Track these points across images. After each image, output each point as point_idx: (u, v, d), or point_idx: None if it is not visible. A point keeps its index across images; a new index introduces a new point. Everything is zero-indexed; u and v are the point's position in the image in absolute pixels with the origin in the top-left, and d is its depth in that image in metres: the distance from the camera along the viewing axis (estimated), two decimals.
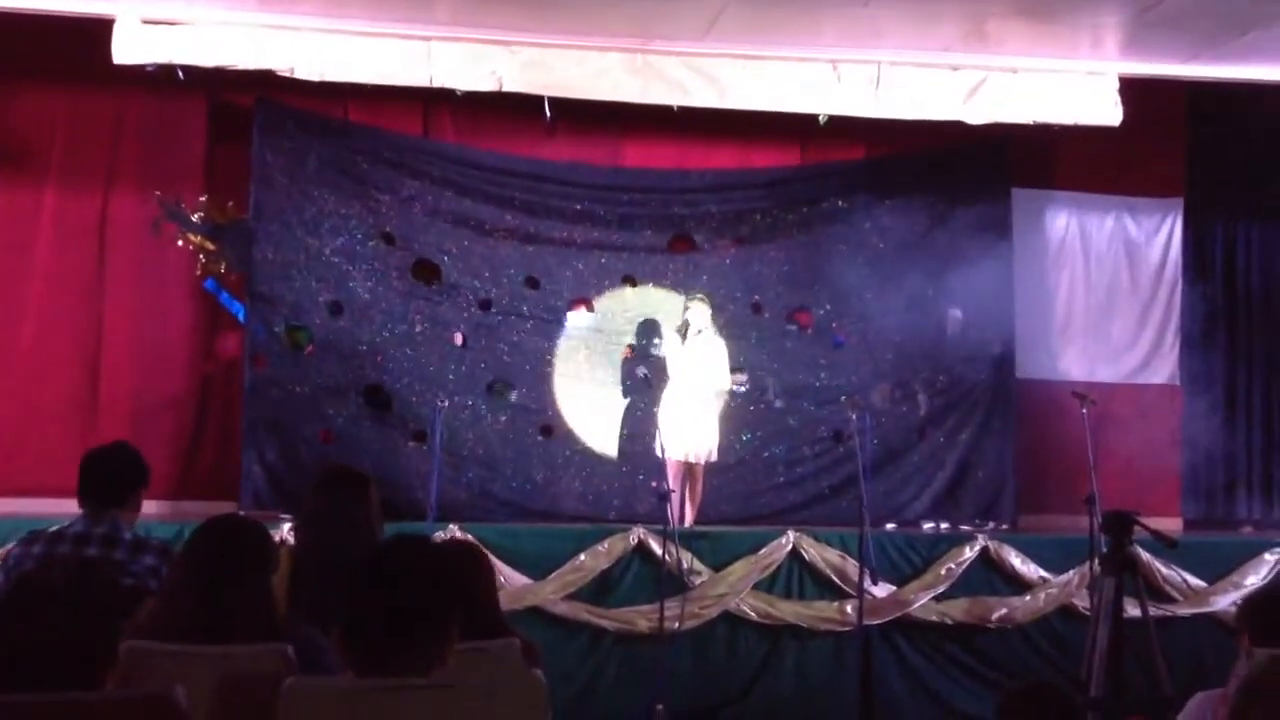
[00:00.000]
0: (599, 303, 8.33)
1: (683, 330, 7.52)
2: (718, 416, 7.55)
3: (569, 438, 8.16)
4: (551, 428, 8.18)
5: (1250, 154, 8.53)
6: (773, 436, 8.28)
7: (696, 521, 7.30)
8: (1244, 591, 6.77)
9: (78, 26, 7.11)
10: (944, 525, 7.89)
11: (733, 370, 7.79)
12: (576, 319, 8.31)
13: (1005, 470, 8.41)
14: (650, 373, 7.37)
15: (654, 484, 7.15)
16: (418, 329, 8.02)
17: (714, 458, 7.45)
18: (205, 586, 2.87)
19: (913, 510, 8.18)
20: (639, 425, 7.81)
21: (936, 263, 8.32)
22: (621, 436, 8.02)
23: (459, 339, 8.14)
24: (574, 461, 8.10)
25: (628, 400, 7.98)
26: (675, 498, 7.17)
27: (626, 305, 8.34)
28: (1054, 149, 8.51)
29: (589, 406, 8.16)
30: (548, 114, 7.75)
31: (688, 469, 7.37)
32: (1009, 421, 8.45)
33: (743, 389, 8.24)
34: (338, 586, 2.46)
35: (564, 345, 8.24)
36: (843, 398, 7.95)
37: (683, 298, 7.87)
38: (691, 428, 7.28)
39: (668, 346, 7.69)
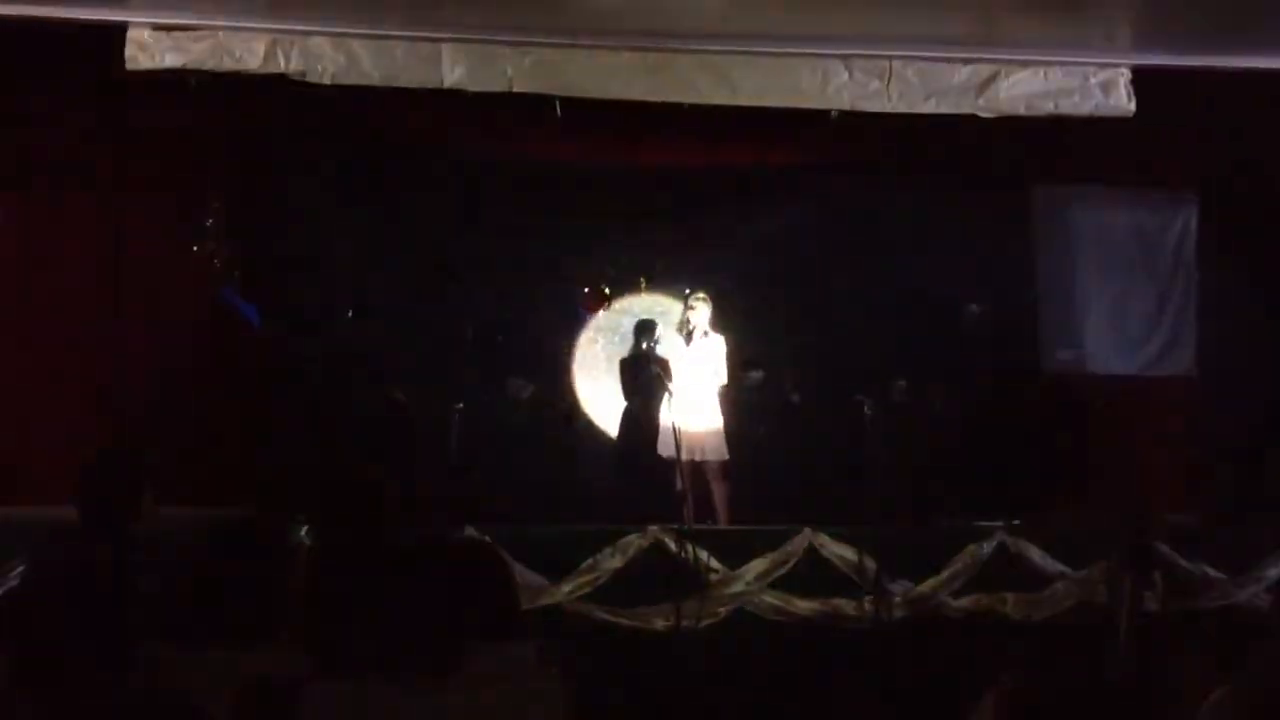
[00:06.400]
0: (614, 300, 8.36)
1: (685, 330, 7.52)
2: (723, 415, 7.55)
3: (587, 433, 8.19)
4: (570, 423, 8.20)
5: (1267, 144, 8.47)
6: (789, 432, 8.27)
7: (730, 520, 7.32)
8: (1265, 585, 6.73)
9: (90, 34, 7.13)
10: (962, 520, 7.85)
11: (749, 366, 7.80)
12: (592, 315, 8.33)
13: (1024, 464, 8.36)
14: (663, 371, 7.37)
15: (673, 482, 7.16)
16: (433, 329, 8.05)
17: (725, 455, 7.45)
18: (221, 589, 2.87)
19: (932, 505, 8.14)
20: (643, 426, 7.81)
21: (955, 256, 8.30)
22: (625, 438, 8.02)
23: (472, 335, 8.17)
24: (592, 456, 8.12)
25: (628, 402, 8.00)
26: (685, 496, 7.20)
27: (641, 303, 8.36)
28: (1067, 142, 8.46)
29: (607, 402, 8.19)
30: (559, 114, 7.75)
31: (698, 469, 7.38)
32: (1029, 415, 8.41)
33: (758, 383, 8.25)
34: (354, 589, 2.46)
35: (580, 341, 8.26)
36: (859, 394, 7.93)
37: (684, 298, 7.86)
38: (699, 428, 7.28)
39: (670, 348, 7.68)
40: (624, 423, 7.99)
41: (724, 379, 7.64)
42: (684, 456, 7.24)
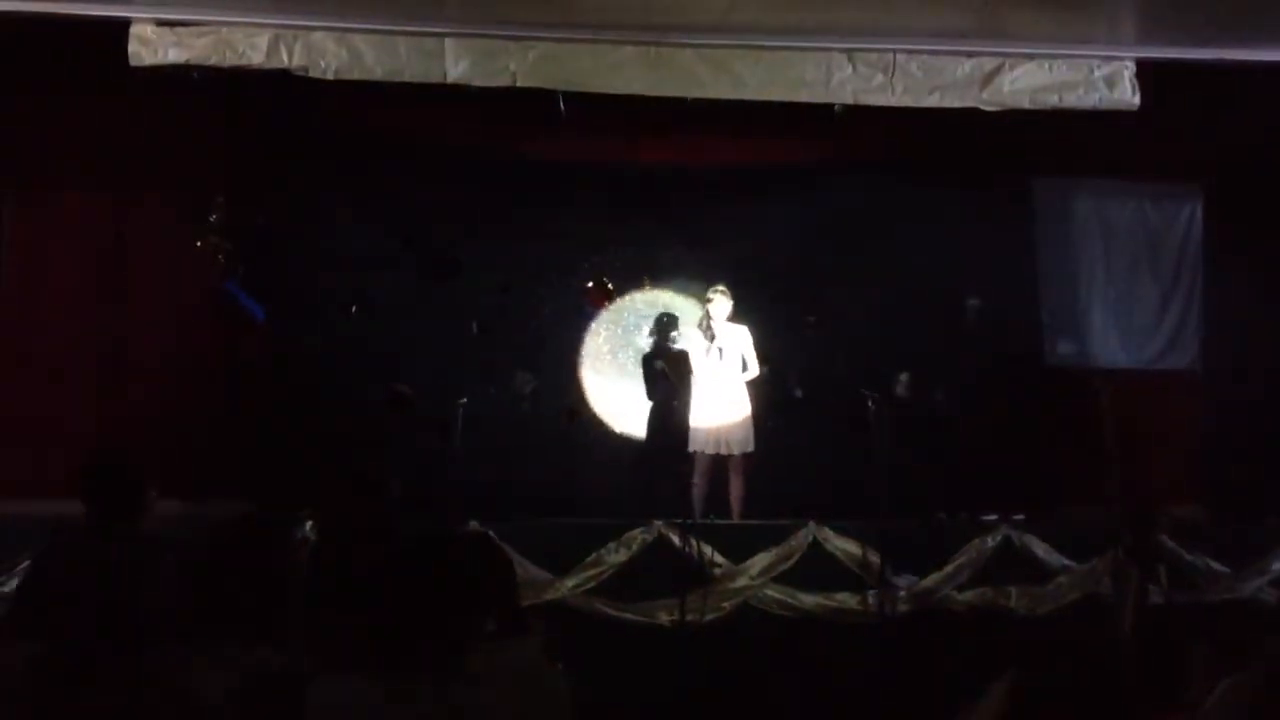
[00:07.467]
0: (618, 297, 8.36)
1: (705, 324, 7.52)
2: (750, 407, 7.55)
3: (591, 427, 8.19)
4: (574, 418, 8.21)
5: (1272, 137, 8.45)
6: (793, 427, 8.26)
7: (741, 515, 7.32)
8: (1269, 578, 6.73)
9: (93, 30, 7.13)
10: (966, 515, 7.84)
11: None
12: (596, 310, 8.34)
13: (1028, 459, 8.35)
14: (669, 368, 7.37)
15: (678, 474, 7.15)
16: (437, 326, 8.05)
17: (750, 448, 7.46)
18: (225, 585, 2.88)
19: (936, 500, 8.13)
20: (667, 421, 7.80)
21: (957, 251, 8.29)
22: (649, 434, 8.02)
23: (476, 330, 8.18)
24: (596, 450, 8.12)
25: (653, 400, 7.99)
26: (698, 491, 7.21)
27: (645, 299, 8.36)
28: (1072, 135, 8.43)
29: (611, 396, 8.20)
30: (562, 109, 7.74)
31: (719, 463, 7.38)
32: (1033, 410, 8.40)
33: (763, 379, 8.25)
34: (358, 585, 2.46)
35: (584, 335, 8.27)
36: (863, 388, 7.92)
37: (703, 291, 7.86)
38: (724, 421, 7.29)
39: (691, 341, 7.68)
40: (648, 419, 8.00)
41: (755, 370, 7.65)
42: (710, 450, 7.28)
